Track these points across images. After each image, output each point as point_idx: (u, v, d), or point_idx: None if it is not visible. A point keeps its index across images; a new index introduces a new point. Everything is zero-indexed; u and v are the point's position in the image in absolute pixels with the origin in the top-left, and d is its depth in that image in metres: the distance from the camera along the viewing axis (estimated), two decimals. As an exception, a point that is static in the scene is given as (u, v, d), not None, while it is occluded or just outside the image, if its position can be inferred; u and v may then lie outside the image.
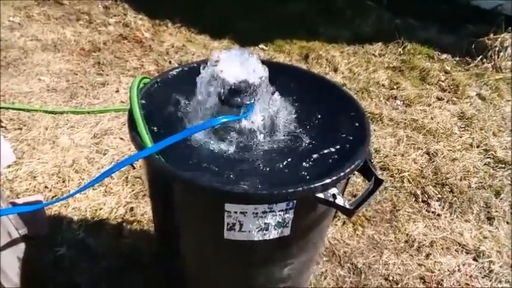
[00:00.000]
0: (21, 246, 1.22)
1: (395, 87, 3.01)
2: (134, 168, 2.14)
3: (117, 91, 2.73)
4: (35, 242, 1.52)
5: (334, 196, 0.98)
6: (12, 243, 1.16)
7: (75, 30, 3.41)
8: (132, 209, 1.93)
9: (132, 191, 2.02)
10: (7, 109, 2.43)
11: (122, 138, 2.32)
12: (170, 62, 3.11)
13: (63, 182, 2.03)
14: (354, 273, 1.77)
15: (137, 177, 2.09)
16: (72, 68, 2.93)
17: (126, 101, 2.63)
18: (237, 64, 1.08)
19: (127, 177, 2.08)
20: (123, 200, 1.97)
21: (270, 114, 1.13)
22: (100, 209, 1.91)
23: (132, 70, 2.97)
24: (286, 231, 1.04)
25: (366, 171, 1.09)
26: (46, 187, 2.00)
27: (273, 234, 1.04)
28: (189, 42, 3.43)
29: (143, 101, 1.11)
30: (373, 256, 1.84)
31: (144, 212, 1.92)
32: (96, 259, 1.70)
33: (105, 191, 2.01)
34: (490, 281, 1.80)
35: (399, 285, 1.73)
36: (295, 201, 0.98)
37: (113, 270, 1.66)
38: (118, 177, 2.08)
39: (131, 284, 1.62)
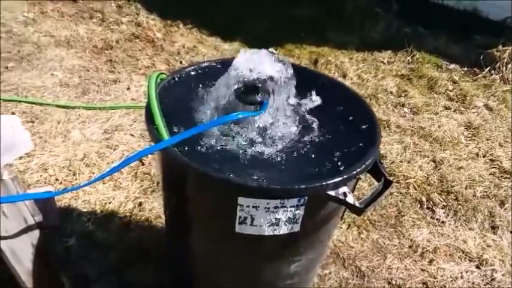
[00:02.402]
0: (36, 233, 1.25)
1: (403, 94, 3.04)
2: (143, 164, 2.17)
3: (128, 89, 2.76)
4: (46, 232, 1.55)
5: (344, 194, 1.01)
6: (28, 229, 1.19)
7: (88, 27, 3.45)
8: (140, 204, 1.96)
9: (141, 186, 2.05)
10: (20, 102, 2.47)
11: (132, 135, 2.35)
12: (181, 62, 3.14)
13: (74, 175, 2.06)
14: (357, 276, 1.79)
15: (146, 173, 2.12)
16: (84, 64, 2.97)
17: (137, 98, 2.67)
18: (255, 63, 1.11)
19: (136, 173, 2.11)
20: (132, 195, 2.00)
21: (284, 113, 1.16)
22: (109, 203, 1.94)
23: (144, 69, 3.01)
24: (296, 228, 1.07)
25: (376, 172, 1.12)
26: (57, 179, 2.03)
27: (283, 229, 1.06)
28: (200, 44, 3.47)
29: (160, 95, 1.14)
30: (377, 260, 1.86)
31: (152, 207, 1.95)
32: (105, 251, 1.73)
33: (115, 186, 2.04)
34: (492, 289, 1.81)
35: (402, 289, 1.75)
36: (306, 198, 1.01)
37: (121, 263, 1.69)
38: (127, 173, 2.11)
39: (139, 276, 1.64)
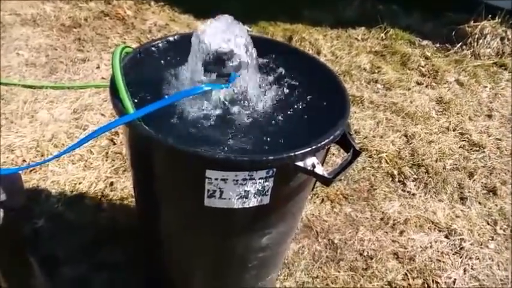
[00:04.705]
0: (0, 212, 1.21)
1: (376, 71, 3.05)
2: (115, 144, 2.13)
3: (98, 67, 2.69)
4: (12, 213, 1.51)
5: (313, 165, 1.01)
6: (-9, 209, 1.16)
7: (55, 5, 3.33)
8: (112, 183, 1.93)
9: (112, 166, 2.01)
10: (-16, 82, 2.39)
11: (102, 114, 2.30)
12: (152, 40, 3.07)
13: (42, 156, 2.01)
14: (330, 249, 1.81)
15: (117, 152, 2.08)
16: (51, 43, 2.87)
17: (107, 77, 2.60)
18: (222, 34, 1.09)
19: (107, 153, 2.07)
20: (103, 175, 1.96)
21: (253, 85, 1.14)
22: (79, 183, 1.91)
23: (114, 47, 2.91)
24: (266, 200, 1.06)
25: (345, 143, 1.12)
26: (24, 161, 1.98)
27: (253, 202, 1.06)
28: (172, 21, 3.39)
29: (126, 69, 1.11)
30: (349, 232, 1.88)
31: (124, 186, 1.92)
32: (75, 232, 1.70)
33: (85, 166, 2.00)
34: (461, 257, 1.86)
35: (373, 260, 1.78)
36: (275, 169, 1.00)
37: (92, 243, 1.67)
38: (98, 153, 2.07)
39: (110, 256, 1.63)
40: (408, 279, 1.74)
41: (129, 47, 1.24)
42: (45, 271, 1.43)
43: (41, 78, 2.52)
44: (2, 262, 1.21)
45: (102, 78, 2.60)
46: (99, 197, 1.86)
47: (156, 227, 1.29)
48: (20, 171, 1.77)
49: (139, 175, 1.23)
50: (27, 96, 2.34)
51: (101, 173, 1.97)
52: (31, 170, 1.92)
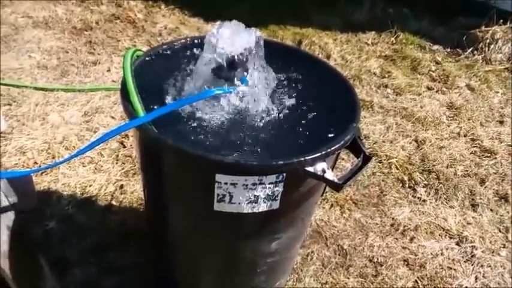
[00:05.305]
0: (10, 214, 1.22)
1: (386, 75, 3.04)
2: (125, 146, 2.14)
3: (109, 70, 2.71)
4: (23, 215, 1.52)
5: (323, 170, 1.00)
6: (2, 210, 1.16)
7: (67, 8, 3.36)
8: (122, 186, 1.94)
9: (122, 169, 2.02)
10: (-4, 84, 2.41)
11: (112, 117, 2.31)
12: (163, 44, 3.09)
13: (53, 158, 2.02)
14: (339, 254, 1.80)
15: (127, 155, 2.09)
16: (63, 46, 2.90)
17: (118, 80, 2.62)
18: (232, 38, 1.09)
19: (117, 156, 2.08)
20: (113, 178, 1.97)
21: (263, 89, 1.14)
22: (90, 186, 1.92)
23: (124, 50, 2.94)
24: (275, 205, 1.06)
25: (355, 148, 1.11)
26: (35, 163, 1.99)
27: (262, 207, 1.05)
28: (182, 25, 3.41)
29: (136, 73, 1.11)
30: (359, 238, 1.87)
31: (134, 190, 1.93)
32: (85, 234, 1.71)
33: (95, 169, 2.01)
34: (472, 265, 1.84)
35: (383, 267, 1.76)
36: (284, 174, 1.00)
37: (102, 246, 1.67)
38: (108, 155, 2.08)
39: (120, 259, 1.63)
40: (418, 286, 1.72)
41: (140, 50, 1.25)
42: (55, 273, 1.44)
43: (52, 80, 2.55)
44: (13, 263, 1.21)
45: (113, 81, 2.61)
46: (109, 199, 1.87)
47: (165, 229, 1.29)
48: (32, 174, 1.79)
49: (149, 178, 1.24)
50: (39, 99, 2.36)
51: (111, 175, 1.98)
52: (42, 172, 1.93)
